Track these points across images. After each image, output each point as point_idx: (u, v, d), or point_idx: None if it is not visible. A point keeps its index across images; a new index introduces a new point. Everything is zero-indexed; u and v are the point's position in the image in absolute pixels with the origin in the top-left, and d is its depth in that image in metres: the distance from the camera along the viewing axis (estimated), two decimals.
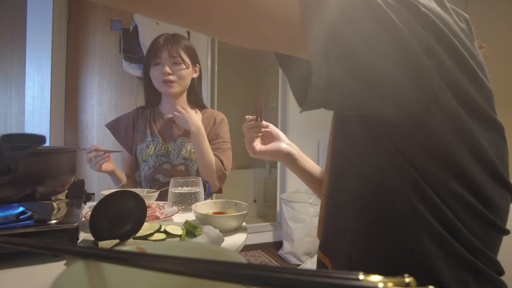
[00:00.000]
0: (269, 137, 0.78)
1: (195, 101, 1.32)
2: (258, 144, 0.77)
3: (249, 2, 0.31)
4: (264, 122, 0.78)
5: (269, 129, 0.78)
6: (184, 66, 1.19)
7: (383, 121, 0.41)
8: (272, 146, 0.77)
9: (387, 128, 0.41)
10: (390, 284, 0.15)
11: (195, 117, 1.15)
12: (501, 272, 0.44)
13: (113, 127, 1.29)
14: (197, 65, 1.27)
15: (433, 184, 0.40)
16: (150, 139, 1.22)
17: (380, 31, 0.34)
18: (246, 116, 0.80)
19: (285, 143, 0.77)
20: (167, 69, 1.16)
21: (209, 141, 1.24)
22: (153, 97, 1.29)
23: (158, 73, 1.17)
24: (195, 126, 1.13)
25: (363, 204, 0.46)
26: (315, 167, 0.77)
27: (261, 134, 0.77)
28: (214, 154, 1.20)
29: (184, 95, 1.28)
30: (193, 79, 1.26)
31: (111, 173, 1.14)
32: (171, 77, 1.17)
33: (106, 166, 1.08)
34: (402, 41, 0.35)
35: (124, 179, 1.18)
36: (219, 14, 0.32)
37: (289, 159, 0.76)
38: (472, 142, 0.39)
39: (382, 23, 0.34)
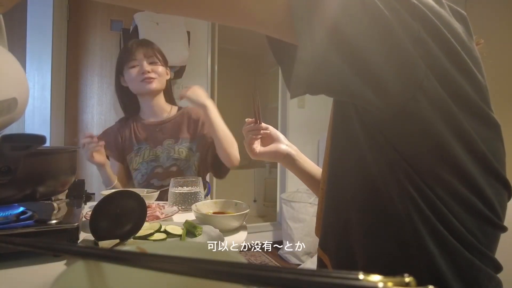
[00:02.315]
0: (268, 139, 0.79)
1: (170, 101, 1.34)
2: (257, 146, 0.78)
3: None
4: (263, 124, 0.79)
5: (268, 131, 0.79)
6: (160, 65, 1.21)
7: (372, 114, 0.41)
8: (271, 147, 0.77)
9: (377, 121, 0.41)
10: (390, 284, 0.15)
11: (203, 92, 1.16)
12: (498, 268, 0.44)
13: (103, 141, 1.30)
14: (168, 67, 1.29)
15: (426, 177, 0.40)
16: (138, 147, 1.23)
17: (365, 15, 0.34)
18: (246, 119, 0.81)
19: (284, 144, 0.77)
20: (147, 67, 1.17)
21: (196, 140, 1.24)
22: (129, 104, 1.30)
23: (136, 73, 1.18)
24: (208, 100, 1.14)
25: (363, 198, 0.46)
26: (315, 168, 0.77)
27: (260, 136, 0.78)
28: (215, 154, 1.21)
29: (162, 95, 1.29)
30: (166, 80, 1.28)
31: (102, 168, 1.13)
32: (151, 74, 1.18)
33: (98, 157, 1.09)
34: (386, 27, 0.35)
35: (115, 180, 1.18)
36: None
37: (289, 160, 0.76)
38: (461, 133, 0.39)
39: (367, 7, 0.34)
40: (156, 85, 1.20)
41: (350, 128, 0.47)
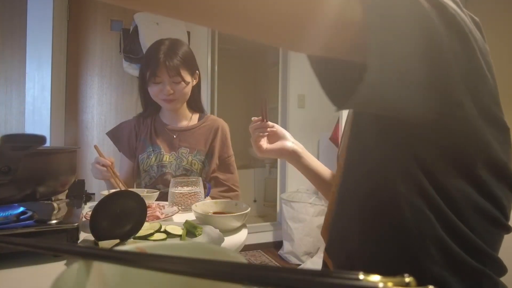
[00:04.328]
0: (274, 137, 0.80)
1: (195, 107, 1.31)
2: (264, 144, 0.79)
3: (318, 8, 0.31)
4: (269, 122, 0.80)
5: (274, 129, 0.80)
6: (184, 85, 1.16)
7: (407, 126, 0.41)
8: (277, 145, 0.78)
9: (409, 133, 0.41)
10: (390, 284, 0.15)
11: None
12: (503, 271, 0.44)
13: (115, 135, 1.27)
14: (197, 71, 1.23)
15: (441, 186, 0.40)
16: (151, 149, 1.21)
17: (420, 37, 0.34)
18: (252, 118, 0.82)
19: (290, 142, 0.79)
20: (169, 90, 1.13)
21: (218, 156, 1.23)
22: (151, 106, 1.27)
23: (158, 91, 1.14)
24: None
25: (369, 206, 0.47)
26: (320, 165, 0.78)
27: (267, 133, 0.79)
28: (223, 180, 1.22)
29: (184, 105, 1.26)
30: (192, 87, 1.22)
31: (106, 180, 1.12)
32: (171, 96, 1.15)
33: (106, 176, 1.06)
34: (438, 46, 0.35)
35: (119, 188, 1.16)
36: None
37: (294, 157, 0.77)
38: (484, 143, 0.40)
39: (423, 27, 0.34)
40: (176, 105, 1.19)
41: (366, 140, 0.47)
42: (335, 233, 0.54)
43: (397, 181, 0.42)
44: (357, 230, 0.49)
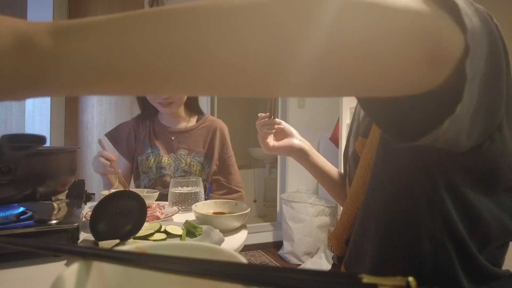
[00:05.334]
0: (281, 134, 0.80)
1: (193, 108, 1.30)
2: (271, 141, 0.79)
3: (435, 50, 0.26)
4: (277, 119, 0.79)
5: (282, 126, 0.79)
6: None
7: (442, 151, 0.39)
8: (285, 142, 0.78)
9: (441, 158, 0.40)
10: (390, 284, 0.15)
11: None
12: None
13: (113, 137, 1.27)
14: None
15: (469, 209, 0.40)
16: (150, 151, 1.21)
17: (493, 63, 0.31)
18: (259, 114, 0.81)
19: (297, 139, 0.78)
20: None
21: (218, 157, 1.23)
22: (148, 109, 1.27)
23: (154, 95, 1.14)
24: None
25: (389, 232, 0.46)
26: (327, 164, 0.78)
27: (274, 130, 0.79)
28: (225, 182, 1.22)
29: (182, 107, 1.26)
30: None
31: (104, 176, 1.12)
32: (168, 99, 1.15)
33: (108, 170, 1.07)
34: (500, 70, 0.33)
35: (116, 183, 1.16)
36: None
37: (301, 155, 0.77)
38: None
39: (496, 51, 0.32)
40: (174, 108, 1.19)
41: (398, 159, 0.46)
42: (354, 250, 0.54)
43: (423, 209, 0.42)
44: (373, 253, 0.48)
